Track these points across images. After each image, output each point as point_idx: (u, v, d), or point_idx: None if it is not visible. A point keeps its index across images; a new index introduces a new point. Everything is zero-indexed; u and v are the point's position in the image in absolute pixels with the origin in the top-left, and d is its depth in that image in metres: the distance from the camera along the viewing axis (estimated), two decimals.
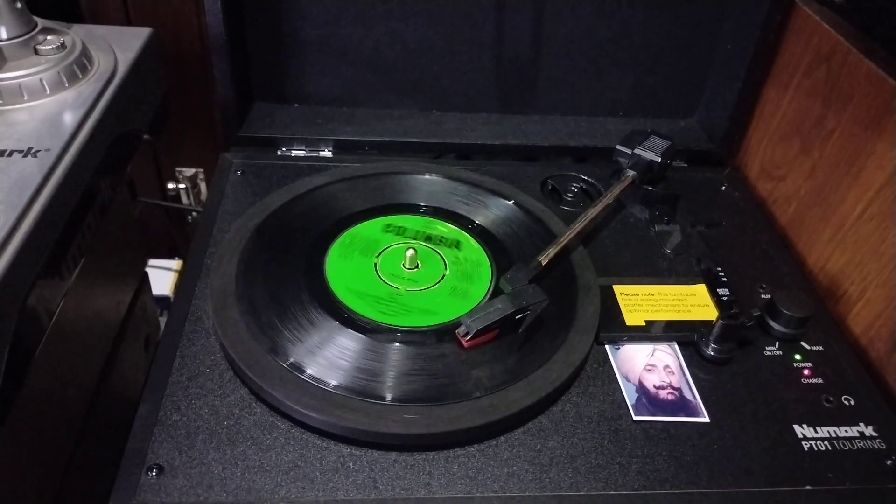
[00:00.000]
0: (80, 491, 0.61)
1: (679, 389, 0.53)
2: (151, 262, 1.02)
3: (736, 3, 0.73)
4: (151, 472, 0.44)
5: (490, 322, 0.50)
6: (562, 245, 0.58)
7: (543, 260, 0.56)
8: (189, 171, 1.06)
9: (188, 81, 0.95)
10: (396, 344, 0.52)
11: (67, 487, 0.59)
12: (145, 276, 0.83)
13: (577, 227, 0.59)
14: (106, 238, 0.65)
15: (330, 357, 0.50)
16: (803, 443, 0.50)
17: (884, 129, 0.60)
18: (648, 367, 0.54)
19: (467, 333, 0.50)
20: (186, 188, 1.06)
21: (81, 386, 0.64)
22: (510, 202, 0.66)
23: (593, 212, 0.61)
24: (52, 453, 0.58)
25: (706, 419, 0.51)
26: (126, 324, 0.75)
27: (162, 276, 1.02)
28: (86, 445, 0.63)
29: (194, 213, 1.07)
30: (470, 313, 0.51)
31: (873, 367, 0.59)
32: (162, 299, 0.97)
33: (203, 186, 1.08)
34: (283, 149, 0.74)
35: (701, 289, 0.60)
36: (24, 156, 0.53)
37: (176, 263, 1.05)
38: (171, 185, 1.06)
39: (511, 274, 0.55)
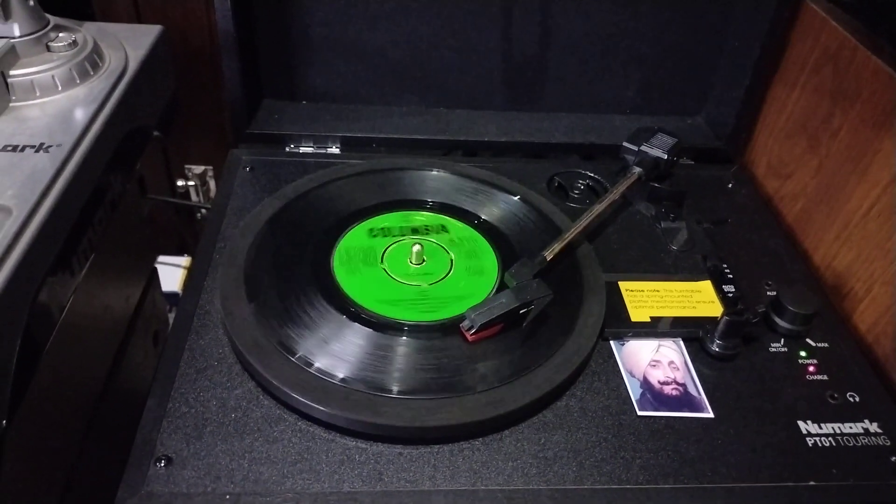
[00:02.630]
0: (90, 483, 0.62)
1: (683, 385, 0.53)
2: (161, 258, 1.02)
3: (743, 0, 0.73)
4: (160, 462, 0.45)
5: (494, 316, 0.51)
6: (567, 241, 0.58)
7: (548, 255, 0.56)
8: (198, 169, 1.07)
9: (198, 79, 0.95)
10: (400, 338, 0.52)
11: (77, 480, 0.60)
12: (154, 272, 0.84)
13: (583, 223, 0.59)
14: (115, 234, 0.66)
15: (336, 351, 0.51)
16: (807, 439, 0.50)
17: (890, 126, 0.60)
18: (653, 363, 0.54)
19: (471, 327, 0.51)
20: (196, 185, 1.07)
21: (91, 380, 0.64)
22: (516, 198, 0.66)
23: (598, 208, 0.61)
24: (62, 446, 0.59)
25: (710, 415, 0.51)
26: (135, 319, 0.75)
27: (171, 273, 1.03)
28: (95, 439, 0.64)
29: (203, 210, 1.08)
30: (474, 308, 0.51)
31: (879, 364, 0.59)
32: (171, 295, 0.98)
33: (212, 184, 1.08)
34: (292, 145, 0.75)
35: (706, 285, 0.60)
36: (37, 151, 0.54)
37: (185, 260, 1.05)
38: (180, 183, 1.07)
39: (516, 269, 0.55)
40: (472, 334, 0.51)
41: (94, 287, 0.62)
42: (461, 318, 0.52)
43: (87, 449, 0.62)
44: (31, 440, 0.52)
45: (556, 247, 0.57)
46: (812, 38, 0.70)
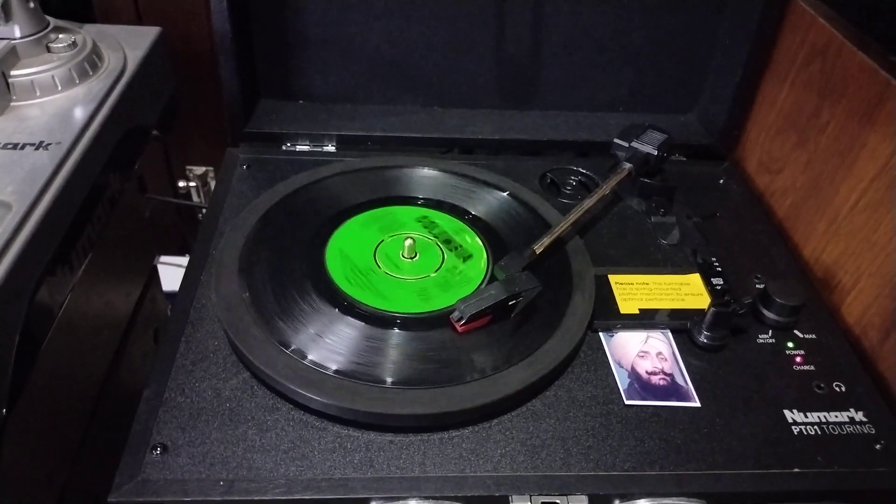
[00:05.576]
0: (90, 477, 0.63)
1: (671, 375, 0.54)
2: (163, 258, 1.04)
3: None
4: (156, 450, 0.46)
5: (483, 307, 0.52)
6: (556, 235, 0.59)
7: (538, 248, 0.57)
8: (199, 170, 1.08)
9: (198, 80, 0.97)
10: (393, 330, 0.53)
11: (77, 473, 0.61)
12: (154, 271, 0.85)
13: (572, 217, 0.60)
14: (114, 232, 0.67)
15: (329, 342, 0.52)
16: (793, 427, 0.51)
17: (876, 120, 0.60)
18: (641, 354, 0.55)
19: (461, 318, 0.52)
20: (197, 186, 1.08)
21: (91, 376, 0.66)
22: (506, 194, 0.67)
23: (588, 203, 0.62)
24: (62, 441, 0.60)
25: (697, 404, 0.52)
26: (135, 317, 0.76)
27: (173, 273, 1.04)
28: (96, 434, 0.65)
29: (205, 210, 1.09)
30: (464, 299, 0.52)
31: (866, 355, 0.59)
32: (173, 295, 0.99)
33: (213, 185, 1.10)
34: (288, 144, 0.76)
35: (695, 278, 0.61)
36: (36, 149, 0.55)
37: (187, 260, 1.07)
38: (181, 184, 1.08)
39: (505, 261, 0.56)
40: (461, 325, 0.52)
41: (94, 284, 0.63)
42: (451, 310, 0.53)
43: (88, 444, 0.63)
44: (31, 432, 0.53)
45: (546, 240, 0.58)
46: (800, 34, 0.71)
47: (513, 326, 0.54)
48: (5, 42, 0.61)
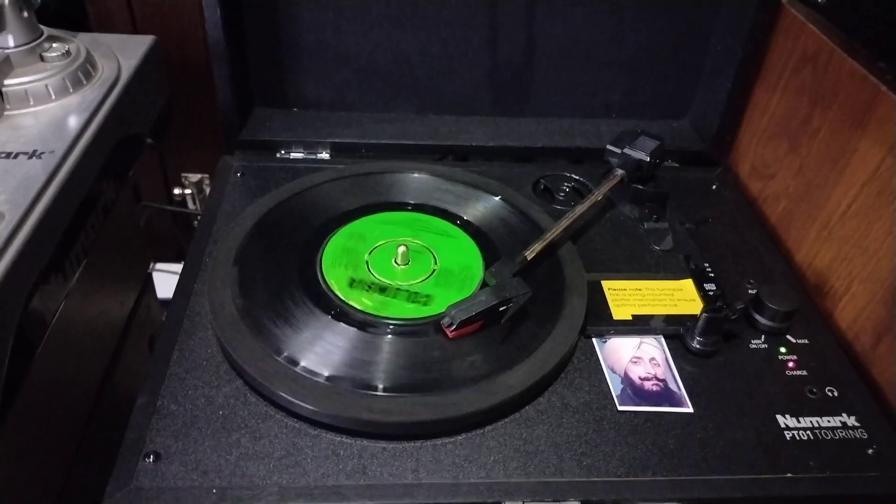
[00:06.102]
0: (85, 484, 0.63)
1: (664, 381, 0.54)
2: (158, 266, 1.04)
3: (725, 5, 0.74)
4: (148, 458, 0.46)
5: (473, 313, 0.52)
6: (548, 240, 0.59)
7: (529, 254, 0.57)
8: (195, 177, 1.08)
9: (194, 88, 0.97)
10: (385, 336, 0.53)
11: (72, 482, 0.61)
12: (149, 279, 0.85)
13: (564, 223, 0.60)
14: (108, 240, 0.67)
15: (322, 349, 0.52)
16: (785, 432, 0.51)
17: (867, 126, 0.61)
18: (634, 360, 0.55)
19: (451, 324, 0.52)
20: (192, 193, 1.09)
21: (85, 384, 0.66)
22: (498, 199, 0.67)
23: (580, 209, 0.62)
24: (57, 449, 0.60)
25: (690, 409, 0.52)
26: (130, 325, 0.76)
27: (169, 280, 1.04)
28: (92, 441, 0.65)
29: (200, 218, 1.09)
30: (454, 305, 0.52)
31: (858, 360, 0.59)
32: (168, 302, 0.99)
33: (209, 192, 1.10)
34: (283, 151, 0.76)
35: (688, 284, 0.61)
36: (30, 158, 0.56)
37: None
38: (177, 191, 1.08)
39: (496, 267, 0.56)
40: (452, 331, 0.52)
41: (88, 292, 0.63)
42: (443, 316, 0.53)
43: (84, 451, 0.63)
44: (27, 440, 0.53)
45: (537, 246, 0.58)
46: (791, 41, 0.71)
47: (505, 332, 0.54)
48: None
